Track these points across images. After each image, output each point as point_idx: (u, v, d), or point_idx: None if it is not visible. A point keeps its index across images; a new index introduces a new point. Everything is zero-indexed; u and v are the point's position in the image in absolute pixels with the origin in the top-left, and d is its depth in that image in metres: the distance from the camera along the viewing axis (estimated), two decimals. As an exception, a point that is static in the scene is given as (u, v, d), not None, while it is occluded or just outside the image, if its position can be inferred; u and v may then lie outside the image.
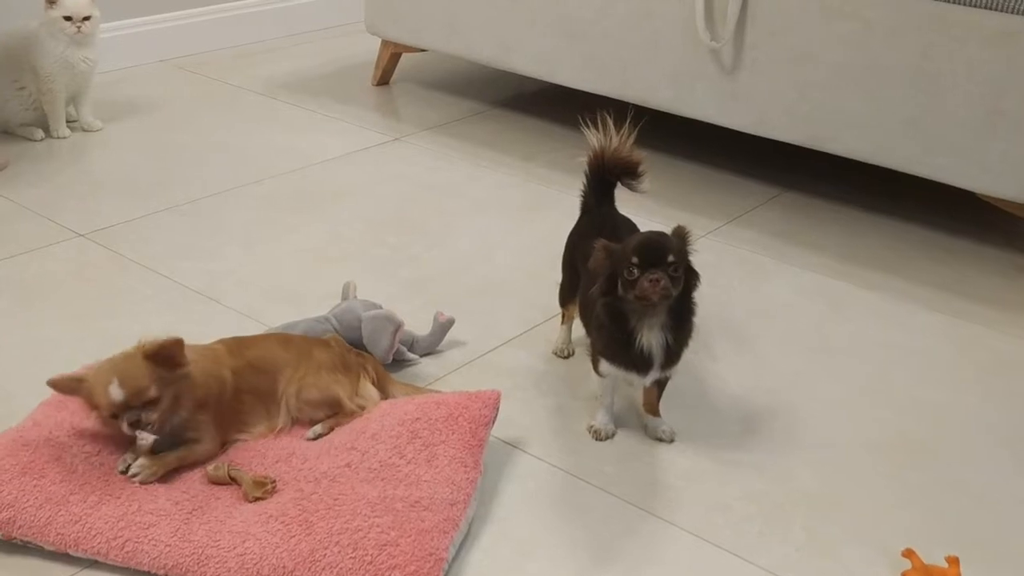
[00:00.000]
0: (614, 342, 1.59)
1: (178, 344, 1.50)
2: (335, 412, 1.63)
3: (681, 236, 1.57)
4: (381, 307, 1.85)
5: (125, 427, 1.47)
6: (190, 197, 2.50)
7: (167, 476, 1.50)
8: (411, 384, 1.77)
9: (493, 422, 1.60)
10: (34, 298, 2.04)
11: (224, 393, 1.57)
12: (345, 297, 1.90)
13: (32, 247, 2.23)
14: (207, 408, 1.54)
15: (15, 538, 1.39)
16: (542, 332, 1.98)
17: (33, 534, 1.39)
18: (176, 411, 1.51)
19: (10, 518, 1.39)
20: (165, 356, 1.49)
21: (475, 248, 2.31)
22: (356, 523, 1.37)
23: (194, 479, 1.50)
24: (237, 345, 1.65)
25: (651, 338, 1.57)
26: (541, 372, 1.87)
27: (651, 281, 1.49)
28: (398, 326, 1.81)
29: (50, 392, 1.63)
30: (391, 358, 1.81)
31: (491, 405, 1.60)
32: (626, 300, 1.54)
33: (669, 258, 1.51)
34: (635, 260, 1.50)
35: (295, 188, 2.57)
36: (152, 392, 1.46)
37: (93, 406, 1.49)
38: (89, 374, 1.51)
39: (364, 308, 1.83)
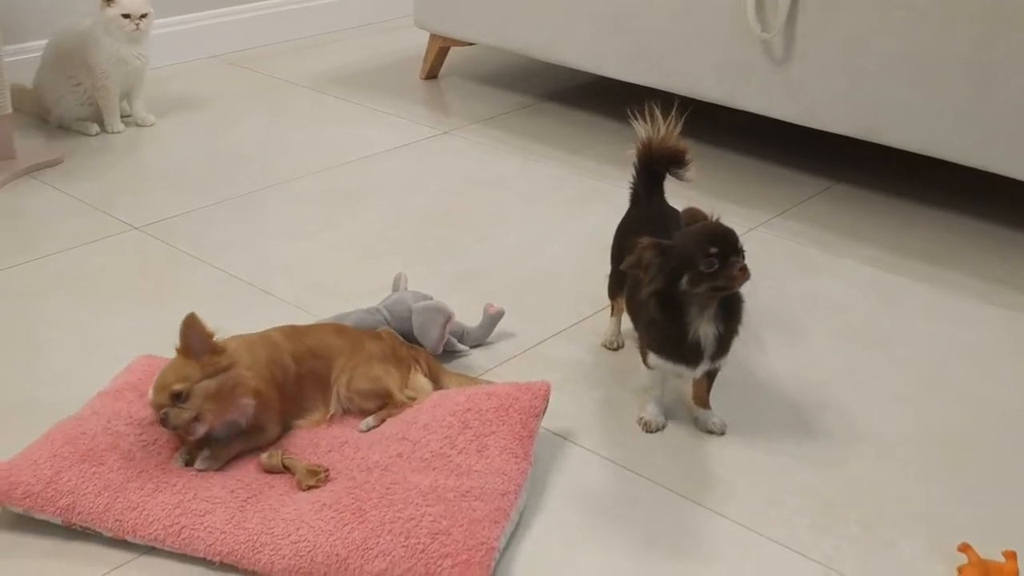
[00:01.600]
0: (665, 335, 1.59)
1: (191, 321, 1.50)
2: (385, 403, 1.65)
3: (700, 218, 1.60)
4: (432, 298, 1.86)
5: (160, 418, 1.49)
6: (241, 191, 2.52)
7: (223, 464, 1.52)
8: (464, 375, 1.78)
9: (543, 413, 1.61)
10: (91, 290, 2.07)
11: (288, 379, 1.60)
12: (396, 288, 1.91)
13: (88, 240, 2.27)
14: (269, 395, 1.56)
15: (75, 524, 1.42)
16: (591, 324, 1.98)
17: (92, 520, 1.41)
18: (225, 409, 1.52)
19: (70, 504, 1.41)
20: (191, 340, 1.50)
21: (525, 241, 2.31)
22: (408, 512, 1.39)
23: (248, 467, 1.52)
24: (293, 332, 1.68)
25: (705, 329, 1.57)
26: (590, 364, 1.87)
27: (740, 269, 1.51)
28: (448, 317, 1.82)
29: (107, 382, 1.67)
30: (441, 349, 1.82)
31: (541, 396, 1.60)
32: (688, 293, 1.54)
33: (740, 244, 1.53)
34: (714, 251, 1.51)
35: (344, 182, 2.59)
36: (176, 387, 1.48)
37: None
38: None
39: (415, 299, 1.84)
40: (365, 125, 2.96)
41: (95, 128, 2.84)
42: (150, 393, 1.50)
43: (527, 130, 2.93)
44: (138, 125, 2.91)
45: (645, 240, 1.55)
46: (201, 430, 1.50)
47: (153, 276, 2.14)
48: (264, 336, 1.65)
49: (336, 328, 1.74)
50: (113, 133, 2.84)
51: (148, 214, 2.39)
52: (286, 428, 1.60)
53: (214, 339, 1.53)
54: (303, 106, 3.10)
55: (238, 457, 1.53)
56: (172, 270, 2.16)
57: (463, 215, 2.43)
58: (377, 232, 2.34)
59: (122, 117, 2.89)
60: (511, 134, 2.91)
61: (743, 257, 1.53)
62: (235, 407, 1.53)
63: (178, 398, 1.48)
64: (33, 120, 2.90)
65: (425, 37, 3.31)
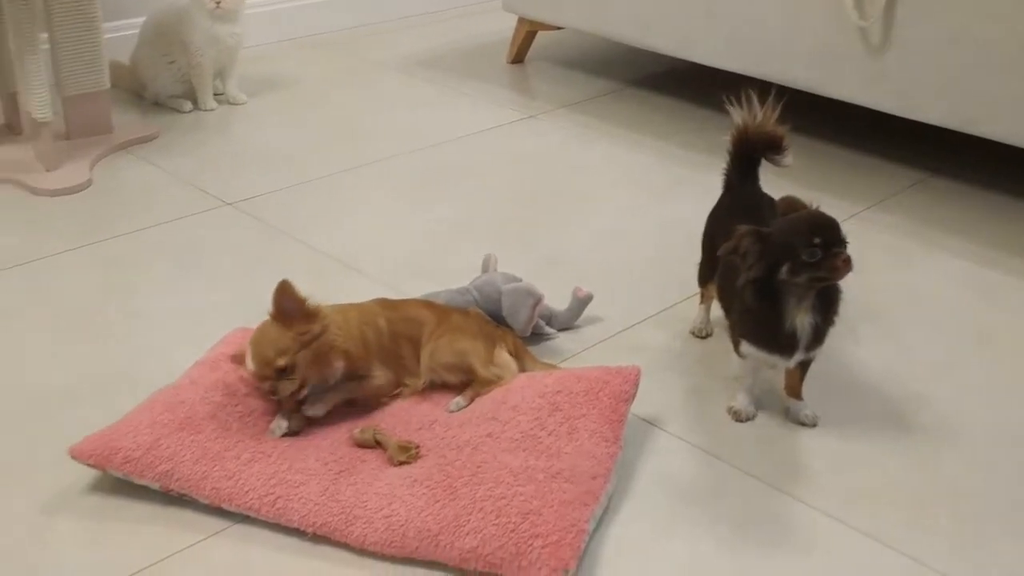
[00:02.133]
0: (760, 324, 1.58)
1: (285, 288, 1.51)
2: (467, 378, 1.66)
3: (798, 208, 1.58)
4: (521, 280, 1.86)
5: (267, 394, 1.52)
6: (330, 170, 2.55)
7: (315, 438, 1.54)
8: (549, 363, 1.78)
9: (633, 398, 1.60)
10: (185, 264, 2.12)
11: (381, 336, 1.63)
12: (486, 269, 1.92)
13: (182, 214, 2.31)
14: (359, 353, 1.58)
15: (172, 490, 1.45)
16: (679, 311, 1.97)
17: (190, 487, 1.44)
18: (321, 372, 1.55)
19: (169, 471, 1.45)
20: (286, 308, 1.52)
21: (612, 226, 2.31)
22: (499, 491, 1.39)
23: (341, 441, 1.54)
24: (386, 302, 1.72)
25: (801, 320, 1.55)
26: (678, 351, 1.86)
27: (844, 260, 1.49)
28: (537, 299, 1.82)
29: (204, 352, 1.70)
30: (530, 331, 1.83)
31: (631, 381, 1.60)
32: (787, 282, 1.52)
33: (843, 234, 1.51)
34: (818, 241, 1.49)
35: (431, 163, 2.61)
36: (280, 361, 1.50)
37: None
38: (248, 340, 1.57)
39: (504, 281, 1.84)
40: (452, 108, 2.97)
41: (188, 105, 2.89)
42: (249, 363, 1.52)
43: (613, 115, 2.92)
44: (230, 103, 2.96)
45: (744, 227, 1.53)
46: (304, 394, 1.54)
47: (245, 251, 2.17)
48: (360, 304, 1.68)
49: (425, 302, 1.76)
50: (206, 111, 2.90)
51: (240, 190, 2.43)
52: (396, 384, 1.63)
53: (306, 303, 1.54)
54: (391, 88, 3.12)
55: (325, 434, 1.55)
56: (263, 245, 2.20)
57: (549, 199, 2.43)
58: (464, 213, 2.35)
59: (215, 95, 2.94)
60: (597, 119, 2.89)
61: (846, 247, 1.50)
62: (329, 369, 1.56)
63: (283, 372, 1.50)
64: (129, 96, 2.96)
65: (512, 21, 3.30)
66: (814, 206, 1.58)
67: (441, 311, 1.73)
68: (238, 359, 1.58)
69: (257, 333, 1.55)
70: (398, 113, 2.92)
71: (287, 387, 1.52)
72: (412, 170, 2.57)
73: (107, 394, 1.69)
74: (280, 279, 1.55)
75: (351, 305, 1.68)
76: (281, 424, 1.55)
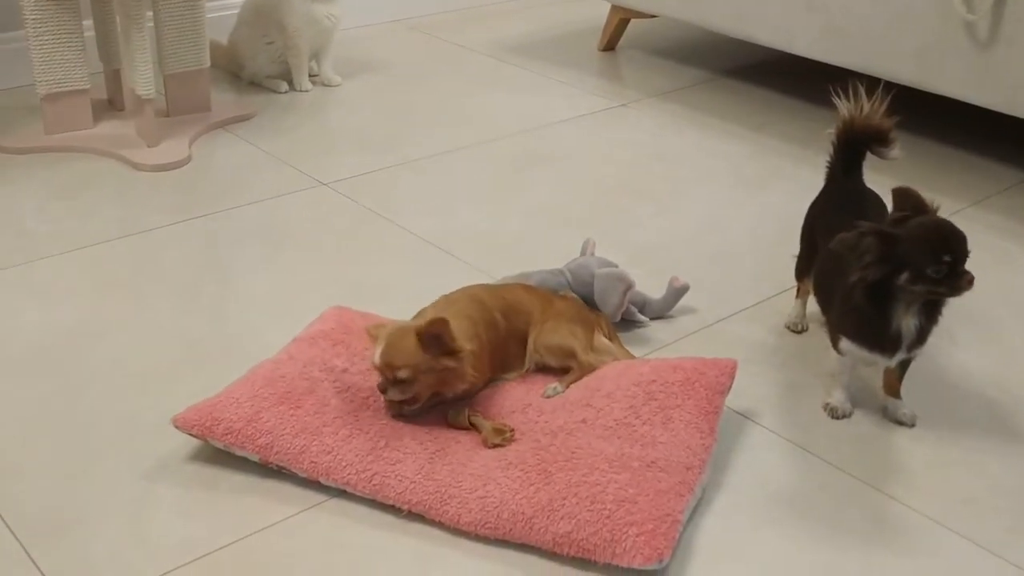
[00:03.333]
0: (865, 323, 1.55)
1: (441, 324, 1.49)
2: (568, 362, 1.66)
3: (914, 200, 1.54)
4: (616, 266, 1.86)
5: (378, 386, 1.53)
6: (422, 153, 2.57)
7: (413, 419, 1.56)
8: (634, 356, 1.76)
9: (728, 390, 1.59)
10: (282, 241, 2.15)
11: (498, 338, 1.63)
12: (583, 253, 1.91)
13: (278, 193, 2.35)
14: (480, 377, 1.58)
15: (271, 463, 1.48)
16: (774, 305, 1.95)
17: (288, 460, 1.47)
18: (437, 394, 1.55)
19: (268, 443, 1.47)
20: (432, 337, 1.49)
21: (705, 217, 2.29)
22: (594, 477, 1.39)
23: (437, 422, 1.55)
24: (491, 289, 1.72)
25: (907, 321, 1.53)
26: (773, 345, 1.84)
27: (969, 280, 1.48)
28: (629, 285, 1.81)
29: (302, 328, 1.72)
30: (619, 317, 1.82)
31: (728, 373, 1.59)
32: (903, 289, 1.49)
33: (968, 249, 1.49)
34: (947, 259, 1.46)
35: (522, 149, 2.61)
36: (402, 374, 1.49)
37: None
38: (384, 325, 1.57)
39: (599, 265, 1.84)
40: (543, 94, 2.97)
41: (284, 86, 2.93)
42: (376, 355, 1.50)
43: (706, 105, 2.89)
44: (325, 85, 2.99)
45: (867, 225, 1.49)
46: (409, 408, 1.54)
47: (340, 231, 2.20)
48: (471, 297, 1.65)
49: (527, 287, 1.77)
50: (301, 92, 2.93)
51: (334, 171, 2.45)
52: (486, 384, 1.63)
53: (456, 346, 1.51)
54: (482, 72, 3.13)
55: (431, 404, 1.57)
56: (357, 226, 2.22)
57: (641, 188, 2.41)
58: (555, 200, 2.35)
59: (310, 77, 2.97)
60: (689, 108, 2.87)
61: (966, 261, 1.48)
62: (448, 392, 1.56)
63: (401, 382, 1.50)
64: (226, 76, 3.01)
65: (604, 8, 3.29)
66: (934, 205, 1.54)
67: (543, 296, 1.74)
68: (372, 334, 1.56)
69: (397, 332, 1.52)
70: (491, 98, 2.93)
71: (396, 395, 1.51)
72: (505, 156, 2.57)
73: (206, 367, 1.73)
74: (439, 316, 1.50)
75: (466, 300, 1.64)
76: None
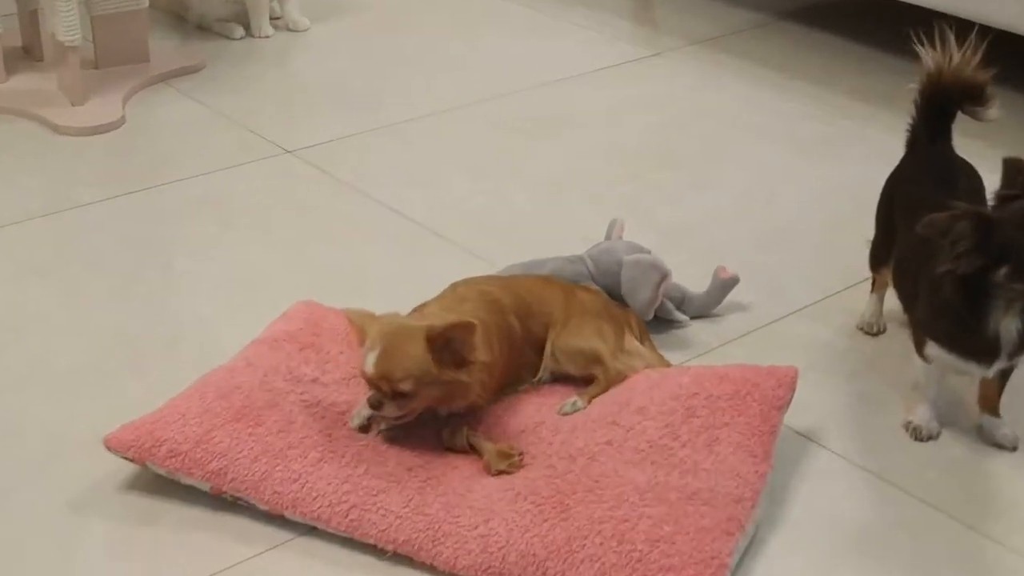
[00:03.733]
0: (956, 324, 1.55)
1: (467, 330, 1.47)
2: (593, 369, 1.65)
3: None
4: (649, 251, 1.85)
5: (365, 400, 1.52)
6: (410, 113, 2.57)
7: (396, 437, 1.55)
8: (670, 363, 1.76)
9: (787, 406, 1.59)
10: (238, 220, 2.15)
11: (514, 346, 1.63)
12: (608, 237, 1.91)
13: (234, 162, 2.35)
14: (488, 394, 1.58)
15: (225, 493, 1.48)
16: (842, 301, 1.95)
17: (246, 489, 1.46)
18: (438, 407, 1.55)
19: (222, 468, 1.47)
20: (447, 343, 1.48)
21: (755, 190, 2.29)
22: (622, 512, 1.39)
23: (428, 443, 1.55)
24: (503, 283, 1.70)
25: (1007, 323, 1.52)
26: (842, 350, 1.84)
27: None
28: (663, 275, 1.81)
29: (262, 329, 1.72)
30: (652, 314, 1.82)
31: (787, 385, 1.59)
32: (1005, 286, 1.48)
33: None
34: None
35: (532, 108, 2.61)
36: (404, 386, 1.48)
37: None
38: (372, 316, 1.55)
39: (627, 251, 1.84)
40: (559, 41, 2.97)
41: (240, 31, 2.93)
42: (368, 362, 1.48)
43: (758, 54, 2.89)
44: (289, 29, 2.99)
45: (963, 206, 1.48)
46: (402, 421, 1.53)
47: (309, 208, 2.20)
48: (484, 295, 1.64)
49: (544, 279, 1.77)
50: (261, 38, 2.93)
51: (302, 136, 2.46)
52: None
53: (473, 356, 1.50)
54: (484, 13, 3.13)
55: (409, 434, 1.55)
56: (330, 202, 2.22)
57: (678, 155, 2.42)
58: (572, 172, 2.35)
59: (272, 19, 2.97)
60: (738, 58, 2.87)
61: None
62: (448, 406, 1.56)
63: (401, 396, 1.49)
64: (169, 18, 3.02)
65: (634, -65, 3.29)
66: None
67: (564, 287, 1.73)
68: (356, 324, 1.54)
69: (398, 333, 1.50)
70: (493, 45, 2.93)
71: (392, 410, 1.50)
72: (508, 116, 2.57)
73: (146, 372, 1.73)
74: (467, 320, 1.49)
75: (477, 297, 1.62)
76: (363, 413, 1.55)
